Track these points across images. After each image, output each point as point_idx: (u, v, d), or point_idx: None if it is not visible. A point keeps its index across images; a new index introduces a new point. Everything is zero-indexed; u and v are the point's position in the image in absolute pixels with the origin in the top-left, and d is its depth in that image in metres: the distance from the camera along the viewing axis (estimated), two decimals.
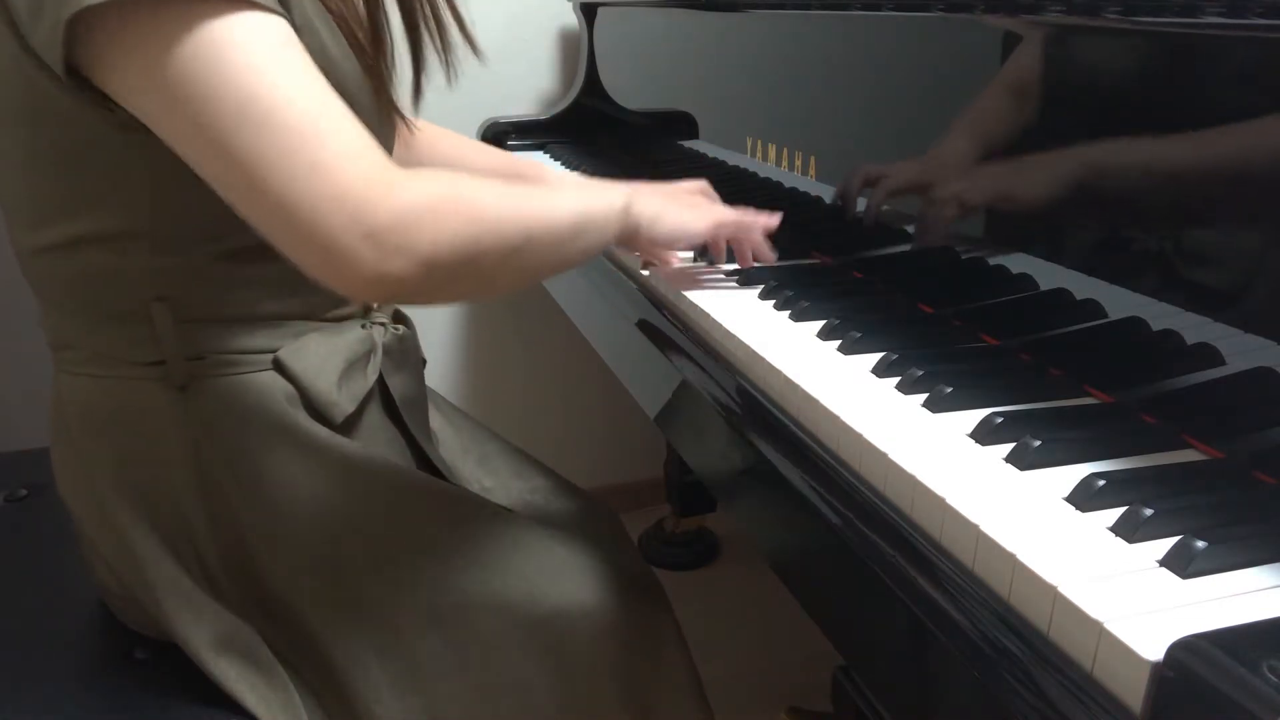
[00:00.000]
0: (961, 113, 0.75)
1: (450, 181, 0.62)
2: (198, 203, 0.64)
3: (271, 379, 0.71)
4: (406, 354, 0.83)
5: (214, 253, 0.68)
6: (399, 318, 0.85)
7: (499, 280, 0.68)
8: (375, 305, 0.84)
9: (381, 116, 0.74)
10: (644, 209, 0.77)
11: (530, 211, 0.66)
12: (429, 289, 0.62)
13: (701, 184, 0.95)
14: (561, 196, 0.70)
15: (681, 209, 0.81)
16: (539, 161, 1.02)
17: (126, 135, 0.61)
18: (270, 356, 0.71)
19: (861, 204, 0.88)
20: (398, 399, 0.80)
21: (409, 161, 0.95)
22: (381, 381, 0.79)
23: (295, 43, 0.59)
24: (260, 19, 0.57)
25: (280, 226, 0.58)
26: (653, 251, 0.90)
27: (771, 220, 0.87)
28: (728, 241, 0.87)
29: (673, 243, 0.81)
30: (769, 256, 0.88)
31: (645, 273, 0.93)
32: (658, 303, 0.90)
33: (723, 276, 0.90)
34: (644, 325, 0.89)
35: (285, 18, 0.59)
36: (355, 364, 0.76)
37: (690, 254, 0.98)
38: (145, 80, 0.56)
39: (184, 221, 0.66)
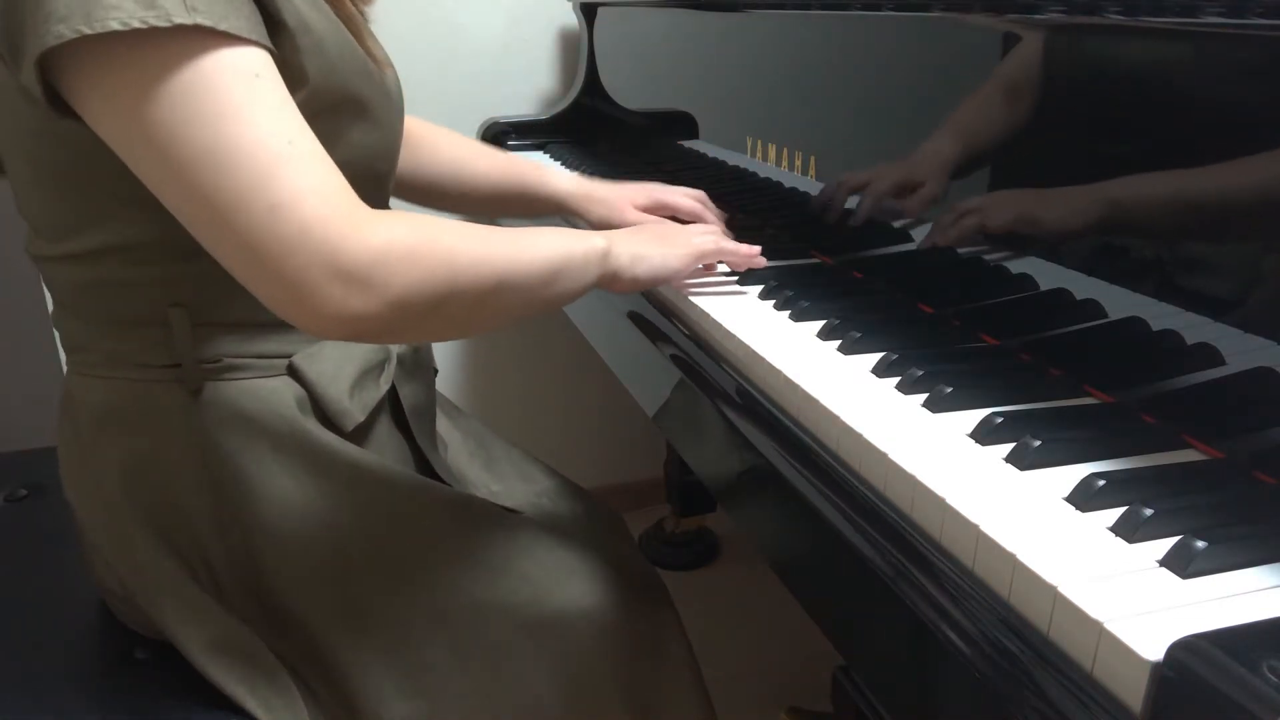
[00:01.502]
0: (961, 113, 0.75)
1: (422, 224, 0.62)
2: None
3: (284, 384, 0.71)
4: (420, 363, 0.83)
5: None
6: None
7: (470, 324, 0.68)
8: None
9: (382, 97, 0.73)
10: (622, 253, 0.76)
11: (505, 257, 0.66)
12: (396, 329, 0.62)
13: (697, 195, 0.95)
14: (539, 241, 0.69)
15: (661, 247, 0.80)
16: (538, 161, 1.02)
17: None
18: (285, 362, 0.71)
19: (853, 203, 0.88)
20: (407, 409, 0.80)
21: (410, 161, 0.95)
22: (393, 390, 0.79)
23: (267, 74, 0.58)
24: (231, 55, 0.56)
25: (246, 266, 0.58)
26: (631, 290, 0.87)
27: (752, 253, 0.85)
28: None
29: (654, 283, 0.81)
30: (760, 263, 0.88)
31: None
32: (657, 303, 0.90)
33: (722, 277, 0.90)
34: (644, 325, 0.89)
35: (261, 45, 0.58)
36: (369, 372, 0.76)
37: None
38: (112, 116, 0.56)
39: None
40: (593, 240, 0.74)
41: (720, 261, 0.87)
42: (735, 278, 0.89)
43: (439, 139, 0.99)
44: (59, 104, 0.58)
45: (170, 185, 0.57)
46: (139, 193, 0.62)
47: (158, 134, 0.55)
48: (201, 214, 0.57)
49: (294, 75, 0.62)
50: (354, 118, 0.68)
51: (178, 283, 0.67)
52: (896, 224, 0.84)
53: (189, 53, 0.54)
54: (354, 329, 0.59)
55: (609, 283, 0.76)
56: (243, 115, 0.55)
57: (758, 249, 0.86)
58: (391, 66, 0.76)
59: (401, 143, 0.80)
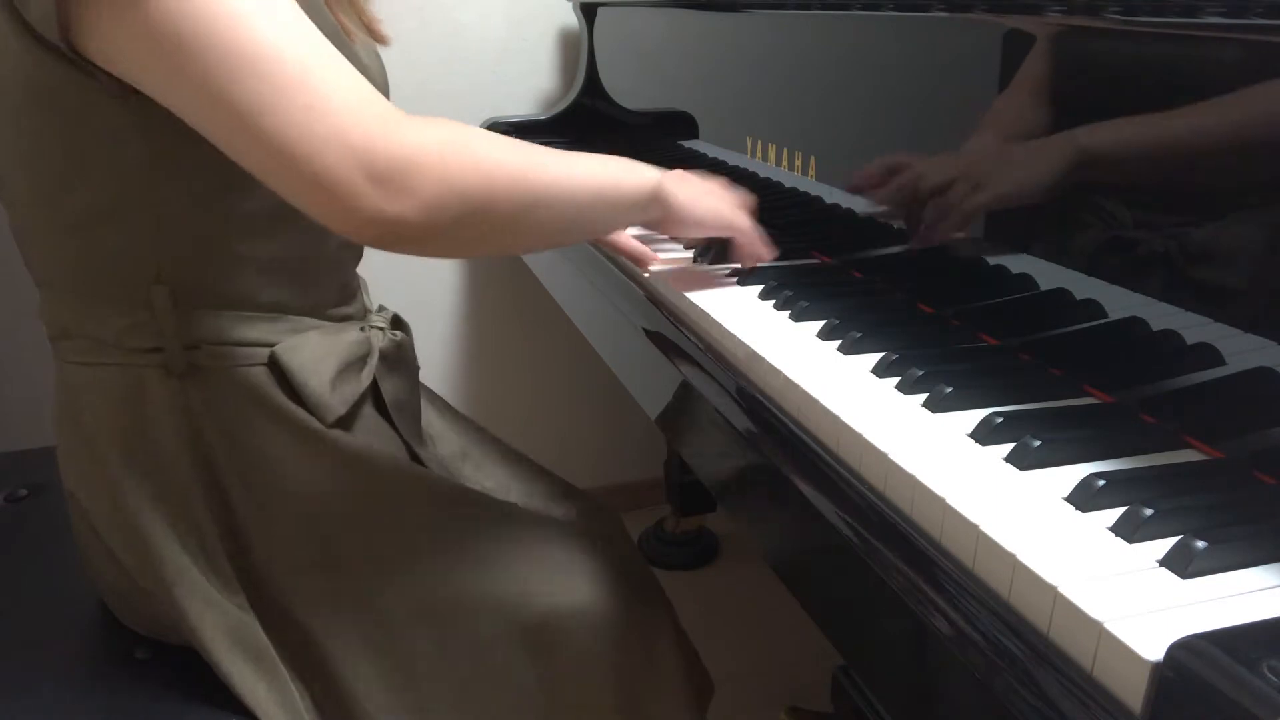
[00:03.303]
0: (960, 114, 0.75)
1: (462, 131, 0.61)
2: (195, 171, 0.64)
3: (266, 374, 0.71)
4: (402, 360, 0.83)
5: (215, 226, 0.67)
6: (397, 323, 0.84)
7: (506, 238, 0.67)
8: (375, 308, 0.84)
9: (369, 68, 0.73)
10: (676, 191, 0.76)
11: (548, 171, 0.65)
12: (431, 235, 0.61)
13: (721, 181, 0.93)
14: (587, 163, 0.69)
15: (712, 197, 0.82)
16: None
17: (120, 103, 0.61)
18: (267, 351, 0.71)
19: (863, 204, 0.88)
20: (390, 404, 0.80)
21: None
22: (375, 386, 0.79)
23: None
24: None
25: (280, 170, 0.57)
26: (676, 233, 0.85)
27: (768, 254, 0.86)
28: (726, 243, 0.87)
29: (702, 226, 0.81)
30: (765, 256, 0.88)
31: (648, 274, 0.93)
32: (658, 303, 0.90)
33: (722, 276, 0.90)
34: (644, 325, 0.89)
35: None
36: (350, 366, 0.76)
37: (689, 253, 0.98)
38: (134, 37, 0.56)
39: (183, 191, 0.65)
40: (644, 174, 0.74)
41: (739, 241, 0.85)
42: (734, 277, 0.89)
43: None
44: (67, 46, 0.57)
45: (198, 99, 0.57)
46: (126, 146, 0.62)
47: (184, 45, 0.54)
48: (230, 124, 0.57)
49: None
50: None
51: (162, 255, 0.67)
52: (897, 224, 0.84)
53: None
54: (385, 231, 0.58)
55: (657, 219, 0.76)
56: (268, 21, 0.56)
57: (768, 257, 0.86)
58: (371, 49, 0.76)
59: None
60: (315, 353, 0.73)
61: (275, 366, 0.71)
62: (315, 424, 0.72)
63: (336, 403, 0.73)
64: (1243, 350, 0.54)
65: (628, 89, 1.46)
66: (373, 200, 0.57)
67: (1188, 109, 0.57)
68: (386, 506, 0.75)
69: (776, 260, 0.91)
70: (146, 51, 0.56)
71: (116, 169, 0.64)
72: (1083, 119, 0.64)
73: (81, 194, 0.65)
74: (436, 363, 1.74)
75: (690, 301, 0.84)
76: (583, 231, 0.72)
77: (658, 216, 0.76)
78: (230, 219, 0.67)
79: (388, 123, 0.57)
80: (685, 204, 0.77)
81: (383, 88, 0.76)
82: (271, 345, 0.71)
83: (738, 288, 0.87)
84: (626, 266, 0.99)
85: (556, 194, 0.66)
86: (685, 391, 0.79)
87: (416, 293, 1.67)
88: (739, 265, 0.90)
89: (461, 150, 0.60)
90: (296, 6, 0.59)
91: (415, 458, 0.83)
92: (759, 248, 0.86)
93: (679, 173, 0.82)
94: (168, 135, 0.62)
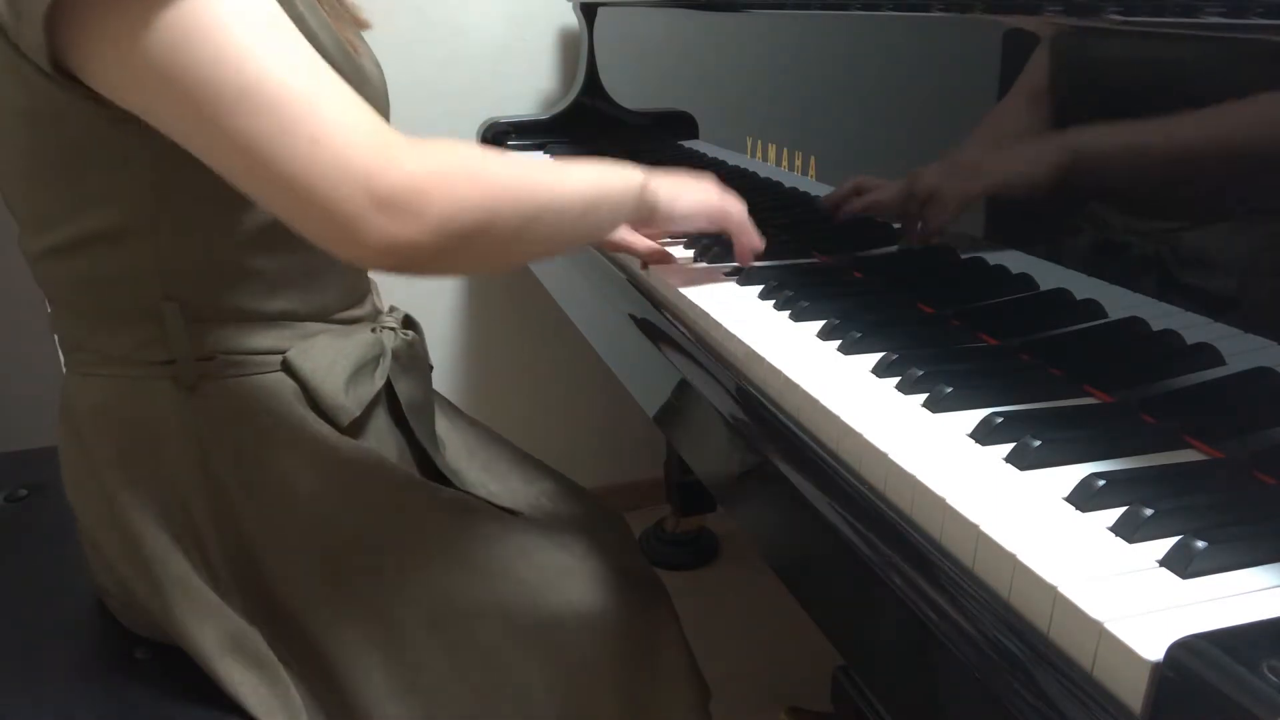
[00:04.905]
0: (960, 114, 0.75)
1: (460, 150, 0.62)
2: (200, 191, 0.63)
3: (280, 380, 0.71)
4: (415, 359, 0.83)
5: (221, 244, 0.67)
6: (409, 323, 0.84)
7: (511, 252, 0.68)
8: (386, 309, 0.84)
9: (359, 82, 0.72)
10: (660, 188, 0.78)
11: (544, 184, 0.66)
12: (441, 257, 0.61)
13: (709, 177, 0.94)
14: (577, 171, 0.70)
15: (696, 189, 0.83)
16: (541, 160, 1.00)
17: (122, 128, 0.61)
18: (279, 357, 0.71)
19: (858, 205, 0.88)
20: (404, 404, 0.80)
21: None
22: (389, 386, 0.79)
23: (281, 14, 0.58)
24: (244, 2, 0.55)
25: (287, 202, 0.57)
26: (664, 230, 0.89)
27: (759, 245, 0.87)
28: (728, 239, 0.87)
29: (691, 218, 0.83)
30: (759, 244, 0.87)
31: (644, 271, 0.93)
32: (658, 303, 0.90)
33: (723, 275, 0.90)
34: (644, 325, 0.89)
35: None
36: (364, 367, 0.76)
37: (690, 253, 0.98)
38: (131, 71, 0.55)
39: (188, 212, 0.65)
40: (630, 175, 0.75)
41: (733, 231, 0.86)
42: (734, 277, 0.89)
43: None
44: (60, 74, 0.57)
45: (202, 133, 0.56)
46: (130, 170, 0.62)
47: (184, 80, 0.54)
48: (236, 158, 0.56)
49: None
50: None
51: (169, 273, 0.67)
52: (897, 225, 0.84)
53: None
54: (398, 258, 0.58)
55: (647, 216, 0.78)
56: (269, 52, 0.55)
57: (762, 246, 0.87)
58: (371, 56, 0.76)
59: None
60: (327, 356, 0.73)
61: (289, 372, 0.71)
62: (327, 432, 0.72)
63: (351, 404, 0.74)
64: (1243, 350, 0.54)
65: (628, 89, 1.46)
66: (383, 228, 0.57)
67: (1188, 108, 0.57)
68: (395, 516, 0.75)
69: (777, 259, 0.91)
70: (147, 86, 0.56)
71: (119, 193, 0.64)
72: (1082, 119, 0.64)
73: (85, 217, 0.65)
74: (437, 363, 1.74)
75: (690, 301, 0.84)
76: (580, 237, 0.74)
77: (646, 214, 0.78)
78: (235, 236, 0.67)
79: (391, 150, 0.57)
80: (671, 198, 0.79)
81: (384, 97, 0.76)
82: (283, 351, 0.71)
83: (738, 288, 0.87)
84: (627, 266, 0.99)
85: (554, 204, 0.67)
86: (684, 391, 0.79)
87: (418, 293, 1.67)
88: (738, 264, 0.90)
89: (462, 170, 0.60)
90: (297, 32, 0.58)
91: (429, 460, 0.83)
92: (752, 235, 0.86)
93: (663, 172, 0.82)
94: (169, 159, 0.61)
